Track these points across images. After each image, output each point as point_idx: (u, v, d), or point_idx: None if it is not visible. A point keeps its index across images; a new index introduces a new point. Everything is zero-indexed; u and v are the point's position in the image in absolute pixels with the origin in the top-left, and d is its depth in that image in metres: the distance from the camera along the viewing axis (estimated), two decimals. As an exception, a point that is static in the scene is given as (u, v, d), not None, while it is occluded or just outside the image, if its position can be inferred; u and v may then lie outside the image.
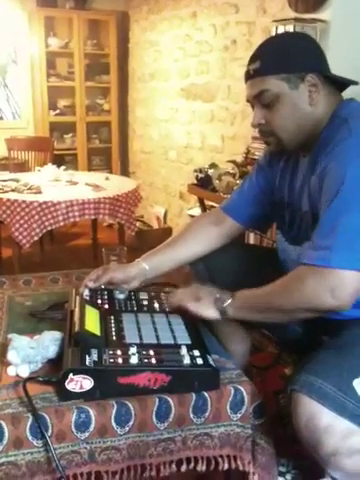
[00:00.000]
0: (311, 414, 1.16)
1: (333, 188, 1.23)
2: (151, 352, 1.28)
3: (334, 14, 2.54)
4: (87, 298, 1.52)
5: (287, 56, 1.34)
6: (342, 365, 1.21)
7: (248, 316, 1.38)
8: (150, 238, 4.21)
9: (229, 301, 1.36)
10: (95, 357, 1.23)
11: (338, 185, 1.22)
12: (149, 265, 1.60)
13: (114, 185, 3.45)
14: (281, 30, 2.56)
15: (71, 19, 5.02)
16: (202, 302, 1.41)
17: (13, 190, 3.17)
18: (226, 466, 1.30)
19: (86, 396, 1.20)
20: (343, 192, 1.21)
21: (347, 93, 1.42)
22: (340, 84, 1.41)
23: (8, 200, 3.00)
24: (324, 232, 1.23)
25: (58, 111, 5.19)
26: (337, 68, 1.44)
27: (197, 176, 3.31)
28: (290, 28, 2.50)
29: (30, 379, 1.25)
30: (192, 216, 3.61)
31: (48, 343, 1.34)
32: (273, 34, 2.60)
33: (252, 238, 2.86)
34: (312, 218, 1.38)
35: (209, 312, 1.39)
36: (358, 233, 1.19)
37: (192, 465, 1.28)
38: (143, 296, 1.61)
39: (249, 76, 1.39)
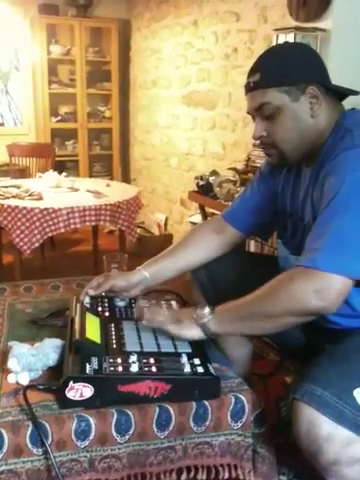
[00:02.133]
0: (311, 423, 1.15)
1: (330, 193, 1.23)
2: (151, 360, 1.28)
3: (335, 23, 2.54)
4: (88, 306, 1.52)
5: (287, 68, 1.33)
6: (343, 374, 1.21)
7: (231, 328, 1.34)
8: (151, 245, 4.21)
9: (210, 317, 1.32)
10: (95, 365, 1.23)
11: (335, 191, 1.22)
12: (150, 273, 1.60)
13: (115, 192, 3.46)
14: (282, 39, 2.57)
15: (73, 26, 5.04)
16: (183, 324, 1.36)
17: (14, 196, 3.17)
18: (226, 475, 1.29)
19: (86, 404, 1.20)
20: (338, 197, 1.21)
21: (348, 103, 1.43)
22: (341, 94, 1.41)
23: (9, 206, 3.00)
24: (316, 235, 1.24)
25: (59, 118, 5.21)
26: (338, 77, 1.44)
27: (198, 183, 3.32)
28: (291, 37, 2.51)
29: (30, 387, 1.25)
30: (193, 223, 3.61)
31: (48, 351, 1.34)
32: (274, 43, 2.62)
33: (253, 246, 2.86)
34: None
35: (192, 332, 1.35)
36: (348, 237, 1.19)
37: (192, 474, 1.28)
38: (144, 304, 1.61)
39: (249, 88, 1.39)
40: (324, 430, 1.14)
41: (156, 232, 4.86)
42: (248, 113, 1.44)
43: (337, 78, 1.43)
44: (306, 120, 1.35)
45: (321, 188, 1.31)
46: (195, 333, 1.34)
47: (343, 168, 1.24)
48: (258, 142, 1.47)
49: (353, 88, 1.41)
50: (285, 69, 1.33)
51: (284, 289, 1.23)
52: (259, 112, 1.38)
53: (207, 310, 1.33)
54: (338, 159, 1.27)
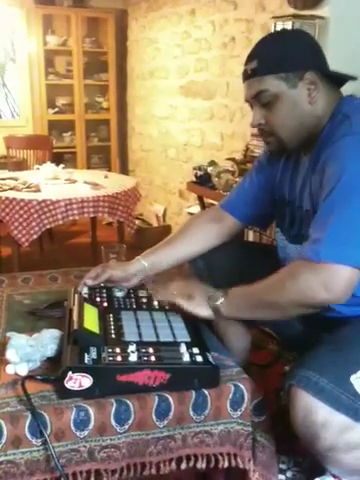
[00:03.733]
0: (308, 409, 1.16)
1: (331, 182, 1.23)
2: (150, 350, 1.28)
3: (333, 11, 2.53)
4: (86, 296, 1.51)
5: (284, 55, 1.33)
6: (339, 360, 1.21)
7: (241, 314, 1.38)
8: (149, 236, 4.21)
9: (222, 299, 1.36)
10: (94, 355, 1.23)
11: (336, 180, 1.21)
12: (148, 263, 1.59)
13: (113, 183, 3.44)
14: (280, 27, 2.55)
15: (69, 17, 5.01)
16: (195, 300, 1.40)
17: (12, 188, 3.16)
18: (226, 464, 1.29)
19: (85, 394, 1.19)
20: (340, 186, 1.20)
21: (346, 89, 1.41)
22: (339, 80, 1.40)
23: (7, 198, 2.99)
24: (318, 225, 1.24)
25: (57, 109, 5.19)
26: (336, 65, 1.43)
27: (196, 174, 3.31)
28: (289, 25, 2.49)
29: (29, 377, 1.25)
30: (191, 214, 3.61)
31: (47, 341, 1.34)
32: (272, 31, 2.60)
33: (251, 235, 2.85)
34: (313, 216, 1.38)
35: (202, 311, 1.39)
36: (350, 227, 1.19)
37: (192, 463, 1.28)
38: (142, 294, 1.61)
39: (247, 76, 1.38)
40: (321, 416, 1.15)
41: (155, 223, 4.85)
42: (246, 101, 1.43)
43: (335, 66, 1.42)
44: (304, 107, 1.34)
45: (320, 175, 1.30)
46: (204, 312, 1.38)
47: (342, 156, 1.23)
48: (256, 130, 1.46)
49: (346, 74, 1.39)
50: (282, 56, 1.32)
51: (292, 282, 1.23)
52: (257, 100, 1.37)
53: (220, 293, 1.36)
54: (337, 146, 1.26)
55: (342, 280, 1.17)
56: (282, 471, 1.59)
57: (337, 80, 1.39)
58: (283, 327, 1.61)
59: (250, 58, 1.37)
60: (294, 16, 2.51)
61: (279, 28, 2.55)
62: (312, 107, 1.34)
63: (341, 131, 1.28)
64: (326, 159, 1.28)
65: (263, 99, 1.35)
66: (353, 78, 1.38)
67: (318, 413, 1.16)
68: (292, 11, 2.67)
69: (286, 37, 1.43)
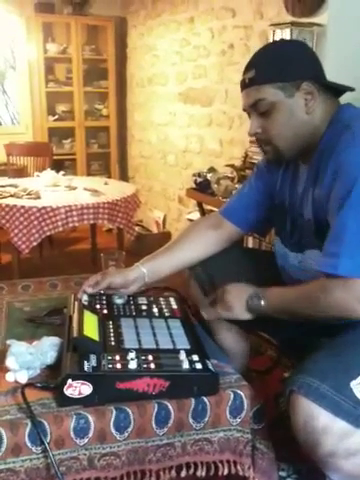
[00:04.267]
0: (308, 415, 1.16)
1: (342, 196, 1.23)
2: (150, 357, 1.28)
3: (331, 18, 2.54)
4: (85, 303, 1.51)
5: (282, 65, 1.34)
6: (339, 366, 1.21)
7: (277, 316, 1.42)
8: (149, 243, 4.21)
9: (263, 305, 1.41)
10: (94, 362, 1.23)
11: (347, 193, 1.22)
12: (148, 269, 1.60)
13: (113, 190, 3.45)
14: (278, 34, 2.57)
15: (69, 25, 5.03)
16: (235, 310, 1.46)
17: (12, 195, 3.16)
18: (226, 471, 1.29)
19: (85, 402, 1.19)
20: (352, 199, 1.21)
21: (344, 98, 1.42)
22: (337, 90, 1.40)
23: (7, 205, 3.00)
24: (334, 239, 1.25)
25: (57, 116, 5.20)
26: (334, 72, 1.44)
27: (196, 180, 3.31)
28: (287, 32, 2.50)
29: (29, 385, 1.25)
30: (191, 220, 3.61)
31: (47, 349, 1.34)
32: (270, 38, 2.61)
33: (251, 242, 2.86)
34: (315, 226, 1.39)
35: (244, 316, 1.46)
36: None
37: (192, 471, 1.28)
38: (142, 301, 1.61)
39: (245, 85, 1.39)
40: (321, 422, 1.15)
41: (154, 230, 4.86)
42: (244, 110, 1.44)
43: (333, 73, 1.43)
44: (301, 116, 1.35)
45: (324, 186, 1.31)
46: (245, 316, 1.46)
47: (352, 169, 1.24)
48: (254, 139, 1.47)
49: (349, 83, 1.41)
50: (280, 65, 1.33)
51: (324, 300, 1.27)
52: (254, 108, 1.38)
53: (258, 298, 1.42)
54: (343, 159, 1.26)
55: None
56: (282, 478, 1.59)
57: (335, 90, 1.40)
58: (282, 333, 1.61)
59: (248, 68, 1.38)
60: (292, 23, 2.52)
61: (277, 35, 2.57)
62: (309, 117, 1.35)
63: (343, 140, 1.28)
64: (335, 171, 1.28)
65: (260, 108, 1.36)
66: (351, 89, 1.39)
67: (319, 419, 1.16)
68: (290, 18, 2.68)
69: (284, 47, 1.44)
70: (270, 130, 1.38)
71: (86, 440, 1.17)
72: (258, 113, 1.38)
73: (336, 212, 1.25)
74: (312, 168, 1.39)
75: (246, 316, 1.45)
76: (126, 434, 1.20)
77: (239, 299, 1.45)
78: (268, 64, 1.35)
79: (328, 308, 1.27)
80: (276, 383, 2.01)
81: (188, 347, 1.35)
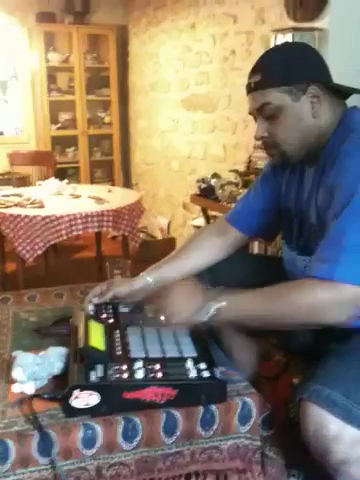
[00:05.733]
0: (319, 423, 1.15)
1: (341, 201, 1.22)
2: (157, 366, 1.27)
3: (332, 22, 2.54)
4: (91, 313, 1.51)
5: (288, 68, 1.33)
6: (350, 373, 1.20)
7: (239, 320, 1.33)
8: (154, 249, 4.21)
9: (223, 303, 1.28)
10: (100, 372, 1.22)
11: (347, 199, 1.21)
12: (153, 278, 1.59)
13: (117, 197, 3.45)
14: (280, 39, 2.57)
15: (71, 34, 5.05)
16: (182, 313, 1.32)
17: (16, 205, 3.17)
18: (236, 479, 1.28)
19: (92, 412, 1.19)
20: (352, 206, 1.20)
21: (350, 100, 1.42)
22: (343, 93, 1.40)
23: (11, 215, 3.00)
24: (330, 243, 1.22)
25: (59, 125, 5.22)
26: (336, 76, 1.43)
27: (200, 186, 3.31)
28: (289, 37, 2.50)
29: (36, 396, 1.25)
30: (196, 226, 3.61)
31: (53, 359, 1.34)
32: (272, 43, 2.61)
33: (256, 247, 2.85)
34: (320, 230, 1.38)
35: (193, 319, 1.32)
36: None
37: (201, 479, 1.27)
38: (148, 310, 1.60)
39: (250, 89, 1.38)
40: (332, 430, 1.14)
41: (159, 236, 4.85)
42: (250, 114, 1.43)
43: (335, 77, 1.42)
44: (307, 120, 1.34)
45: (327, 191, 1.30)
46: (198, 319, 1.31)
47: (353, 173, 1.23)
48: (260, 142, 1.46)
49: (351, 86, 1.40)
50: (286, 69, 1.33)
51: (308, 303, 1.21)
52: (260, 112, 1.37)
53: (216, 298, 1.29)
54: (345, 163, 1.25)
55: (356, 301, 1.17)
56: (292, 485, 1.58)
57: (342, 93, 1.39)
58: (291, 338, 1.60)
59: (254, 71, 1.37)
60: (294, 28, 2.53)
61: (279, 41, 2.57)
62: (315, 120, 1.34)
63: (346, 147, 1.27)
64: (336, 175, 1.27)
65: (266, 112, 1.35)
66: (358, 91, 1.38)
67: (329, 427, 1.14)
68: (292, 23, 2.68)
69: (290, 50, 1.43)
70: (276, 134, 1.37)
71: (94, 450, 1.17)
72: (264, 117, 1.37)
73: (335, 218, 1.23)
74: (318, 171, 1.39)
75: (197, 319, 1.31)
76: (134, 443, 1.19)
77: (188, 301, 1.33)
78: (274, 67, 1.34)
79: (308, 309, 1.21)
80: (285, 388, 2.00)
81: (195, 355, 1.35)
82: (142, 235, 4.36)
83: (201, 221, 3.59)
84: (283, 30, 2.57)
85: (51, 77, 5.13)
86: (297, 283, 1.26)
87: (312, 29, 2.54)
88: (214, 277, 1.64)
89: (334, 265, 1.18)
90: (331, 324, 1.22)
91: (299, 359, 2.01)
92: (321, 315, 1.20)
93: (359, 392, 1.16)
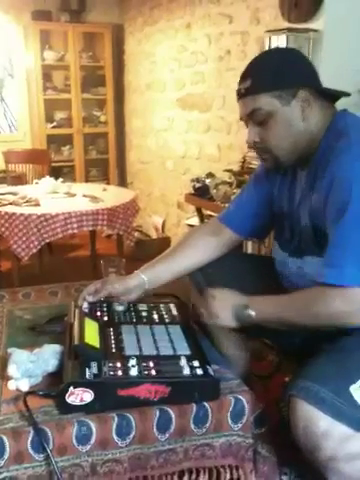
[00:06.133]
0: (308, 419, 1.16)
1: (342, 205, 1.23)
2: (151, 364, 1.29)
3: (327, 23, 2.55)
4: (86, 310, 1.52)
5: (277, 73, 1.34)
6: (339, 371, 1.22)
7: (265, 325, 1.39)
8: (149, 248, 4.22)
9: (250, 313, 1.37)
10: (95, 370, 1.23)
11: (346, 202, 1.22)
12: (148, 277, 1.60)
13: (112, 196, 3.46)
14: (274, 40, 2.58)
15: (66, 32, 5.05)
16: (220, 318, 1.42)
17: (11, 203, 3.17)
18: (228, 476, 1.30)
19: (86, 409, 1.20)
20: (353, 209, 1.21)
21: (340, 103, 1.43)
22: (333, 96, 1.41)
23: (6, 213, 3.00)
24: (336, 249, 1.25)
25: (55, 123, 5.21)
26: (330, 77, 1.45)
27: (194, 186, 3.33)
28: (283, 38, 2.51)
29: (30, 393, 1.26)
30: (190, 225, 3.62)
31: (48, 357, 1.35)
32: (266, 44, 2.62)
33: (250, 247, 2.86)
34: (313, 232, 1.39)
35: (230, 324, 1.42)
36: None
37: (194, 476, 1.28)
38: (142, 308, 1.62)
39: (241, 95, 1.39)
40: (321, 426, 1.15)
41: (154, 235, 4.86)
42: (241, 119, 1.44)
43: (329, 78, 1.44)
44: (298, 124, 1.35)
45: (319, 193, 1.31)
46: (233, 325, 1.41)
47: (347, 176, 1.24)
48: (252, 147, 1.47)
49: (345, 88, 1.41)
50: (275, 74, 1.34)
51: (324, 310, 1.25)
52: (251, 118, 1.38)
53: (246, 308, 1.38)
54: (339, 168, 1.26)
55: None
56: (284, 482, 1.59)
57: (331, 96, 1.40)
58: (283, 338, 1.62)
59: (244, 77, 1.38)
60: (288, 29, 2.54)
61: (274, 42, 2.58)
62: (306, 124, 1.35)
63: (339, 148, 1.28)
64: (330, 179, 1.28)
65: (257, 117, 1.36)
66: (347, 94, 1.40)
67: (319, 423, 1.16)
68: (286, 24, 2.69)
69: (278, 55, 1.44)
70: (268, 139, 1.38)
71: (88, 447, 1.18)
72: (255, 122, 1.38)
73: (335, 222, 1.25)
74: (310, 174, 1.40)
75: (233, 324, 1.41)
76: (128, 440, 1.20)
77: (225, 307, 1.42)
78: (263, 73, 1.35)
79: (326, 317, 1.26)
80: (277, 388, 2.01)
81: (189, 353, 1.36)
82: (137, 234, 4.36)
83: (195, 220, 3.60)
84: (277, 31, 2.58)
85: (47, 75, 5.11)
86: (315, 294, 1.29)
87: (307, 30, 2.55)
88: (207, 276, 1.65)
89: (343, 270, 1.21)
90: (355, 326, 1.26)
91: (292, 359, 2.03)
92: (344, 321, 1.25)
93: (347, 389, 1.18)
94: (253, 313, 1.36)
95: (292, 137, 1.36)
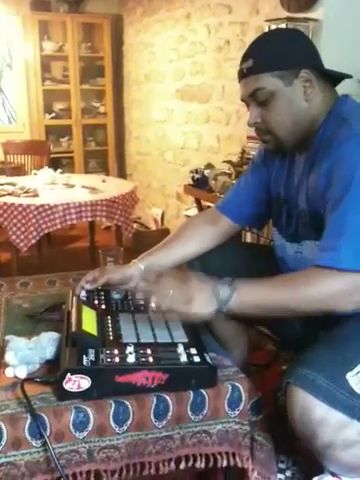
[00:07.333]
0: (305, 407, 1.17)
1: (341, 189, 1.23)
2: (148, 351, 1.29)
3: (326, 13, 2.54)
4: (84, 299, 1.52)
5: (280, 53, 1.33)
6: (336, 358, 1.22)
7: (249, 312, 1.29)
8: (147, 240, 4.20)
9: (233, 296, 1.24)
10: (92, 357, 1.24)
11: (346, 186, 1.22)
12: (145, 265, 1.60)
13: (111, 187, 3.46)
14: (274, 29, 2.57)
15: (65, 23, 5.03)
16: (195, 302, 1.26)
17: (10, 194, 3.17)
18: (225, 463, 1.30)
19: (84, 396, 1.20)
20: (352, 193, 1.21)
21: (342, 89, 1.43)
22: (334, 78, 1.41)
23: (5, 204, 3.01)
24: (333, 232, 1.24)
25: (54, 114, 5.20)
26: (330, 66, 1.44)
27: (193, 177, 3.32)
28: (282, 28, 2.50)
29: (28, 380, 1.26)
30: (189, 217, 3.61)
31: (45, 344, 1.35)
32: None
33: (249, 237, 2.86)
34: (310, 216, 1.39)
35: (204, 312, 1.27)
36: None
37: (191, 463, 1.29)
38: (139, 296, 1.62)
39: (242, 75, 1.38)
40: (317, 414, 1.16)
41: (153, 227, 4.86)
42: (242, 100, 1.43)
43: (329, 67, 1.43)
44: (300, 104, 1.35)
45: (318, 177, 1.31)
46: (206, 312, 1.27)
47: (349, 161, 1.24)
48: (253, 130, 1.47)
49: (342, 72, 1.40)
50: (277, 54, 1.33)
51: (317, 292, 1.22)
52: (253, 98, 1.38)
53: (227, 288, 1.25)
54: (341, 150, 1.26)
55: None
56: (281, 470, 1.60)
57: (332, 79, 1.40)
58: (282, 326, 1.62)
59: (245, 57, 1.37)
60: (288, 19, 2.53)
61: (273, 31, 2.56)
62: (308, 105, 1.35)
63: (341, 134, 1.28)
64: (331, 164, 1.28)
65: (259, 97, 1.36)
66: (348, 76, 1.39)
67: (315, 411, 1.17)
68: (286, 14, 2.68)
69: (281, 35, 1.44)
70: (269, 119, 1.37)
71: (85, 433, 1.18)
72: (257, 103, 1.37)
73: (334, 206, 1.24)
74: (308, 159, 1.40)
75: (207, 311, 1.27)
76: (125, 427, 1.21)
77: (201, 290, 1.27)
78: (266, 53, 1.34)
79: (316, 301, 1.22)
80: (276, 377, 2.02)
81: (186, 340, 1.36)
82: (136, 225, 4.36)
83: (194, 212, 3.60)
84: (277, 20, 2.57)
85: (45, 66, 5.10)
86: (308, 273, 1.27)
87: (306, 19, 2.54)
88: (205, 265, 1.66)
89: (340, 253, 1.19)
90: (347, 311, 1.23)
91: (289, 347, 2.04)
92: (337, 304, 1.22)
93: (344, 377, 1.18)
94: (235, 294, 1.24)
95: (294, 117, 1.36)
